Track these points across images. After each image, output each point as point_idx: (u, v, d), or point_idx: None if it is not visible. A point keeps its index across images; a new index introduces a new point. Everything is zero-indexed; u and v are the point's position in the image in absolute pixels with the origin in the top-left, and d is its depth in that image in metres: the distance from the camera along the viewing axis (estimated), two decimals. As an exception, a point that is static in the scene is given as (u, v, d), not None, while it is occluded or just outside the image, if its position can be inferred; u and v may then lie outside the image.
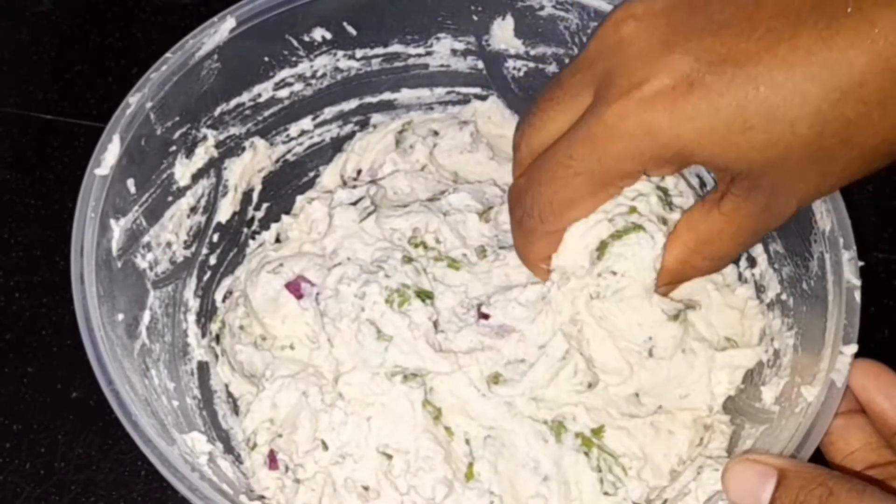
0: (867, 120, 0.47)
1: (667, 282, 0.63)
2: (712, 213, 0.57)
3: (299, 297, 0.72)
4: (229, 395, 0.74)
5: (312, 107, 0.79)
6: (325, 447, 0.67)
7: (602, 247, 0.63)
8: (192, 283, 0.75)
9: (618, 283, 0.63)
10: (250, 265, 0.77)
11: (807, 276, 0.64)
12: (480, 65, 0.80)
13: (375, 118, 0.83)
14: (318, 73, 0.77)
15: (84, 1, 1.04)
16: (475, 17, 0.76)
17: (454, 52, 0.79)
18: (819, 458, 0.57)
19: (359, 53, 0.77)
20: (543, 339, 0.69)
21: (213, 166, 0.74)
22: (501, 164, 0.82)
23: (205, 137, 0.72)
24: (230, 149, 0.75)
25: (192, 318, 0.74)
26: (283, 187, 0.82)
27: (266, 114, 0.76)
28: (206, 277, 0.76)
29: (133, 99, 0.64)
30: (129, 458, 0.77)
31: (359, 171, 0.83)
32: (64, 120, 0.95)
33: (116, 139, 0.63)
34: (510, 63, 0.79)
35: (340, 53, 0.76)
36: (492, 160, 0.82)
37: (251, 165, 0.77)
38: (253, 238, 0.80)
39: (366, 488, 0.66)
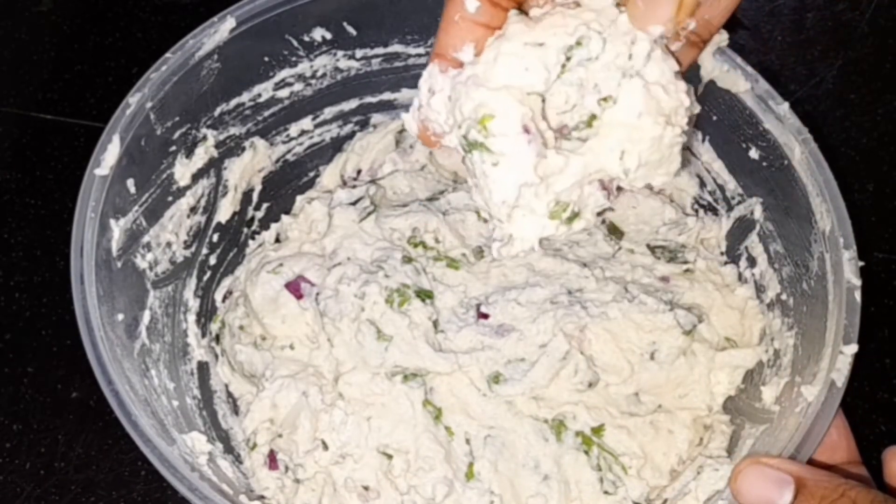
0: None
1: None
2: None
3: (299, 297, 0.72)
4: (229, 395, 0.74)
5: (312, 107, 0.79)
6: (325, 447, 0.67)
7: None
8: (192, 283, 0.75)
9: None
10: (250, 265, 0.77)
11: (807, 276, 0.64)
12: (480, 65, 0.80)
13: (375, 118, 0.83)
14: (318, 73, 0.77)
15: (84, 1, 1.04)
16: (475, 17, 0.76)
17: (454, 51, 0.79)
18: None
19: (359, 53, 0.77)
20: (543, 338, 0.69)
21: (213, 166, 0.74)
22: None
23: (205, 137, 0.72)
24: (230, 149, 0.75)
25: (192, 318, 0.74)
26: (283, 187, 0.82)
27: (266, 114, 0.76)
28: (206, 277, 0.76)
29: (133, 99, 0.64)
30: (129, 458, 0.77)
31: (359, 171, 0.83)
32: (64, 120, 0.95)
33: (116, 139, 0.63)
34: (510, 63, 0.79)
35: (340, 53, 0.76)
36: (492, 160, 0.82)
37: (251, 165, 0.77)
38: (253, 238, 0.80)
39: (366, 488, 0.66)
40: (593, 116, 0.51)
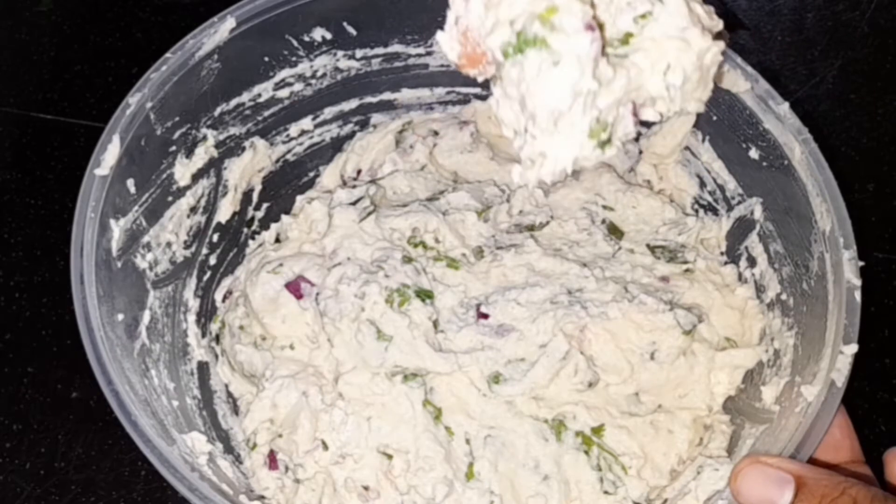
0: None
1: None
2: None
3: (299, 297, 0.72)
4: (229, 395, 0.74)
5: (312, 107, 0.79)
6: (325, 447, 0.67)
7: None
8: (192, 283, 0.74)
9: None
10: (250, 265, 0.77)
11: (807, 276, 0.64)
12: (480, 65, 0.80)
13: (375, 118, 0.83)
14: (318, 73, 0.77)
15: (84, 1, 1.04)
16: (475, 17, 0.76)
17: (454, 51, 0.79)
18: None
19: (359, 53, 0.77)
20: (543, 338, 0.69)
21: (213, 166, 0.74)
22: (501, 163, 0.82)
23: (205, 137, 0.72)
24: (230, 149, 0.75)
25: (192, 318, 0.74)
26: (283, 187, 0.82)
27: (266, 114, 0.76)
28: (206, 277, 0.76)
29: (133, 99, 0.64)
30: (129, 458, 0.77)
31: (359, 171, 0.83)
32: (64, 120, 0.95)
33: (116, 139, 0.63)
34: (510, 63, 0.79)
35: (340, 53, 0.76)
36: (492, 160, 0.82)
37: (251, 165, 0.77)
38: (253, 238, 0.80)
39: (366, 488, 0.66)
40: (629, 34, 0.48)
